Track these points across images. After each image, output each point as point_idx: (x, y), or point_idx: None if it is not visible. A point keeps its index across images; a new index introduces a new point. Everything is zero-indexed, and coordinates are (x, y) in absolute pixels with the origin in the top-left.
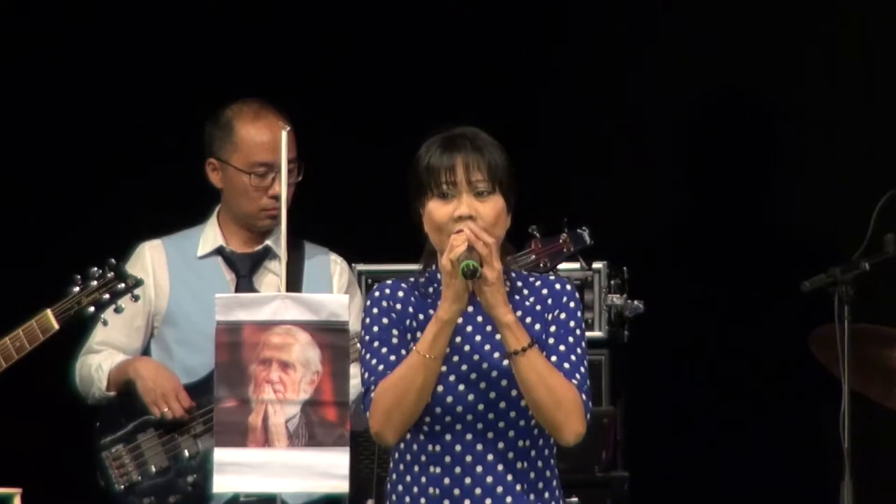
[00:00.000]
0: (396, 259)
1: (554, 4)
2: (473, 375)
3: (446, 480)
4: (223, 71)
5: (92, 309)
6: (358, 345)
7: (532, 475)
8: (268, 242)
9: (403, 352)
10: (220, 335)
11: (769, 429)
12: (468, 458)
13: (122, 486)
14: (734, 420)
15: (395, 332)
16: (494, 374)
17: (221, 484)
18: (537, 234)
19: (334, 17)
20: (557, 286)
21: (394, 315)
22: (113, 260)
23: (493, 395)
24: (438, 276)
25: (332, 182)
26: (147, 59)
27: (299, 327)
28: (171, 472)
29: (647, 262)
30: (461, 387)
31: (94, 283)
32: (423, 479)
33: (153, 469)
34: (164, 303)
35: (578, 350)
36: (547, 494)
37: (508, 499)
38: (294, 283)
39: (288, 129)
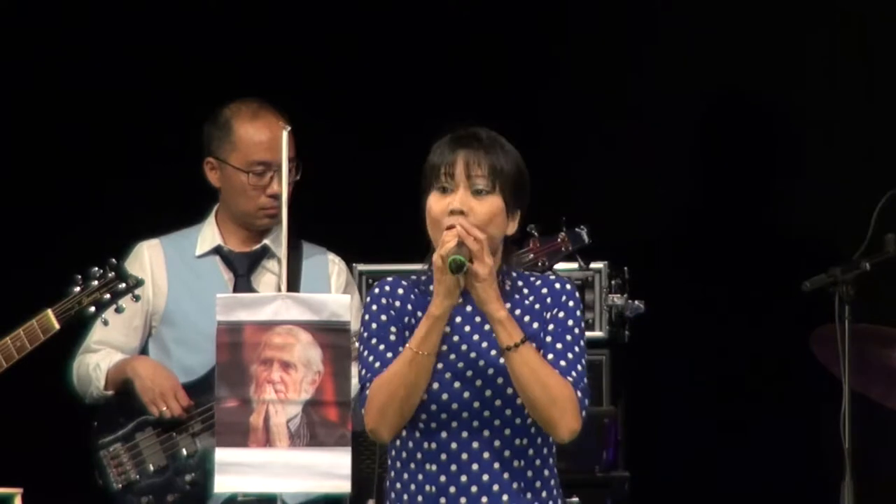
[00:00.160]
0: (396, 259)
1: (554, 4)
2: (469, 373)
3: (442, 478)
4: (223, 71)
5: (93, 309)
6: (357, 343)
7: (529, 473)
8: (266, 242)
9: (400, 349)
10: (222, 335)
11: (769, 429)
12: (464, 456)
13: (120, 485)
14: (734, 420)
15: (392, 329)
16: (490, 371)
17: (223, 484)
18: (535, 234)
19: (334, 17)
20: (557, 285)
21: (392, 312)
22: (114, 260)
23: (488, 392)
24: None
25: (332, 182)
26: (147, 59)
27: (300, 327)
28: (170, 471)
29: (647, 263)
30: (457, 384)
31: (95, 282)
32: (420, 477)
33: (151, 468)
34: (162, 302)
35: (576, 348)
36: (545, 493)
37: (504, 497)
38: (292, 282)
39: (288, 129)
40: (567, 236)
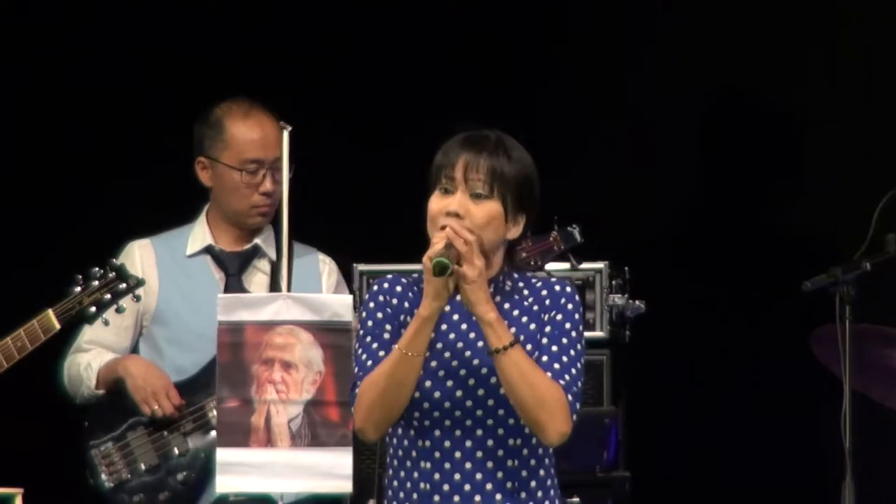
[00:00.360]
0: (396, 259)
1: (554, 4)
2: (463, 371)
3: (436, 476)
4: (223, 71)
5: (93, 309)
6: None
7: (524, 473)
8: (257, 241)
9: (394, 347)
10: (223, 335)
11: (769, 429)
12: (457, 455)
13: (112, 485)
14: (735, 420)
15: (388, 327)
16: (484, 370)
17: (224, 484)
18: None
19: (334, 17)
20: (557, 287)
21: (389, 310)
22: (114, 260)
23: (481, 391)
24: None
25: (332, 182)
26: (147, 59)
27: (301, 327)
28: (161, 470)
29: (648, 263)
30: (449, 382)
31: (96, 283)
32: (415, 475)
33: (143, 467)
34: (153, 302)
35: (572, 351)
36: (540, 493)
37: (498, 496)
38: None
39: (289, 128)
40: (559, 235)
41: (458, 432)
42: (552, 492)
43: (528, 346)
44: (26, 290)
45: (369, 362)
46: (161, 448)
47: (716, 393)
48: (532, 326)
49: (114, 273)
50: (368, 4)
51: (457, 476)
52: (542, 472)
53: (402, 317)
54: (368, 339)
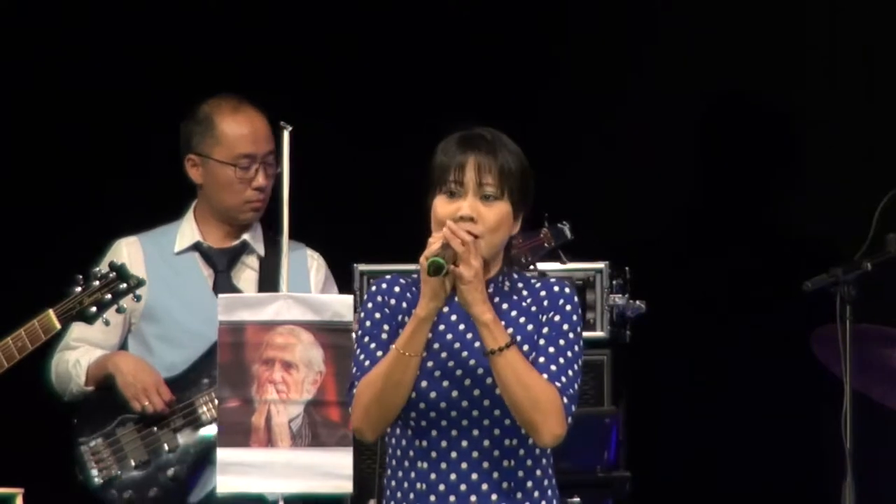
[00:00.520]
0: (396, 259)
1: (554, 4)
2: (459, 371)
3: (432, 476)
4: (222, 71)
5: (94, 309)
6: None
7: (520, 473)
8: (245, 237)
9: (392, 347)
10: (223, 335)
11: (770, 429)
12: (453, 454)
13: (101, 481)
14: (735, 420)
15: (385, 327)
16: (480, 370)
17: (225, 484)
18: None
19: (334, 17)
20: (556, 288)
21: (387, 310)
22: (115, 260)
23: (477, 392)
24: None
25: (332, 182)
26: (147, 59)
27: (302, 327)
28: (151, 466)
29: (648, 263)
30: (445, 382)
31: (97, 282)
32: (413, 475)
33: (133, 463)
34: (142, 299)
35: (569, 353)
36: (537, 493)
37: (494, 496)
38: (272, 278)
39: (289, 128)
40: (549, 232)
41: (454, 432)
42: (549, 492)
43: (526, 347)
44: (26, 291)
45: (367, 362)
46: (151, 444)
47: (716, 393)
48: (530, 327)
49: (114, 273)
50: (368, 4)
51: (453, 476)
52: (538, 472)
53: (400, 317)
54: (366, 339)
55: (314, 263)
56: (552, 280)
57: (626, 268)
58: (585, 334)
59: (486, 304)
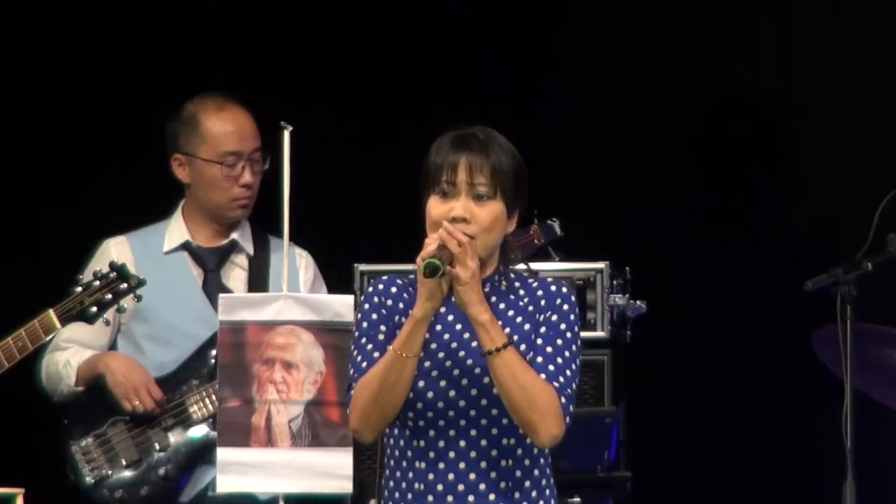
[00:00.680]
0: (396, 259)
1: (553, 4)
2: (456, 371)
3: (430, 476)
4: (222, 71)
5: (94, 309)
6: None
7: (518, 473)
8: (234, 236)
9: (389, 348)
10: (224, 335)
11: (771, 429)
12: (451, 454)
13: (93, 480)
14: (736, 420)
15: (382, 328)
16: (477, 370)
17: (225, 484)
18: None
19: (334, 17)
20: (553, 288)
21: (383, 311)
22: (116, 260)
23: (474, 391)
24: None
25: (332, 182)
26: (146, 59)
27: (303, 327)
28: (142, 465)
29: (649, 263)
30: (442, 382)
31: (97, 283)
32: (410, 475)
33: (123, 462)
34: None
35: (566, 353)
36: (534, 493)
37: (491, 496)
38: (261, 277)
39: (290, 128)
40: (539, 229)
41: (451, 432)
42: (548, 491)
43: (523, 347)
44: (26, 291)
45: (364, 363)
46: (142, 443)
47: (716, 393)
48: (527, 327)
49: (115, 273)
50: (368, 4)
51: (451, 476)
52: (536, 472)
53: (396, 317)
54: (363, 340)
55: (302, 262)
56: (549, 279)
57: (627, 268)
58: (586, 334)
59: (482, 304)
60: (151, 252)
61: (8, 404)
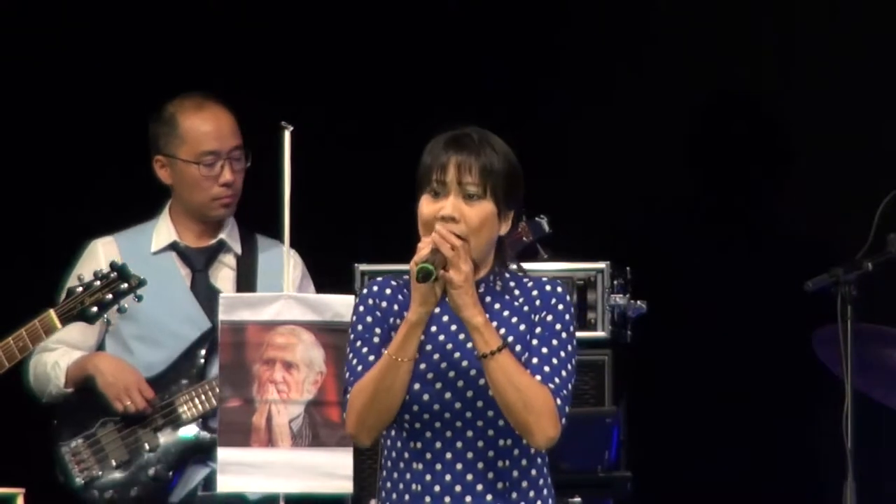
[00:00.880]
0: (396, 259)
1: (553, 4)
2: (452, 373)
3: (427, 477)
4: (221, 72)
5: (95, 309)
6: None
7: (515, 473)
8: (221, 236)
9: (384, 350)
10: (224, 335)
11: (771, 429)
12: (448, 456)
13: (83, 481)
14: (736, 420)
15: (377, 330)
16: (473, 372)
17: (225, 484)
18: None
19: (333, 17)
20: (548, 287)
21: (378, 313)
22: (116, 260)
23: (470, 393)
24: None
25: (332, 182)
26: (146, 59)
27: (303, 327)
28: (132, 466)
29: (649, 263)
30: (438, 384)
31: (98, 283)
32: (408, 476)
33: (113, 463)
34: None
35: (562, 353)
36: (532, 493)
37: (488, 496)
38: (249, 277)
39: (290, 128)
40: (527, 226)
41: (448, 433)
42: (545, 491)
43: (518, 348)
44: (26, 290)
45: (359, 367)
46: (131, 444)
47: (716, 393)
48: (522, 327)
49: (115, 273)
50: (368, 4)
51: (447, 477)
52: (533, 472)
53: (391, 319)
54: (358, 343)
55: (290, 261)
56: (544, 279)
57: (627, 268)
58: (587, 334)
59: (476, 307)
60: (139, 252)
61: (8, 404)
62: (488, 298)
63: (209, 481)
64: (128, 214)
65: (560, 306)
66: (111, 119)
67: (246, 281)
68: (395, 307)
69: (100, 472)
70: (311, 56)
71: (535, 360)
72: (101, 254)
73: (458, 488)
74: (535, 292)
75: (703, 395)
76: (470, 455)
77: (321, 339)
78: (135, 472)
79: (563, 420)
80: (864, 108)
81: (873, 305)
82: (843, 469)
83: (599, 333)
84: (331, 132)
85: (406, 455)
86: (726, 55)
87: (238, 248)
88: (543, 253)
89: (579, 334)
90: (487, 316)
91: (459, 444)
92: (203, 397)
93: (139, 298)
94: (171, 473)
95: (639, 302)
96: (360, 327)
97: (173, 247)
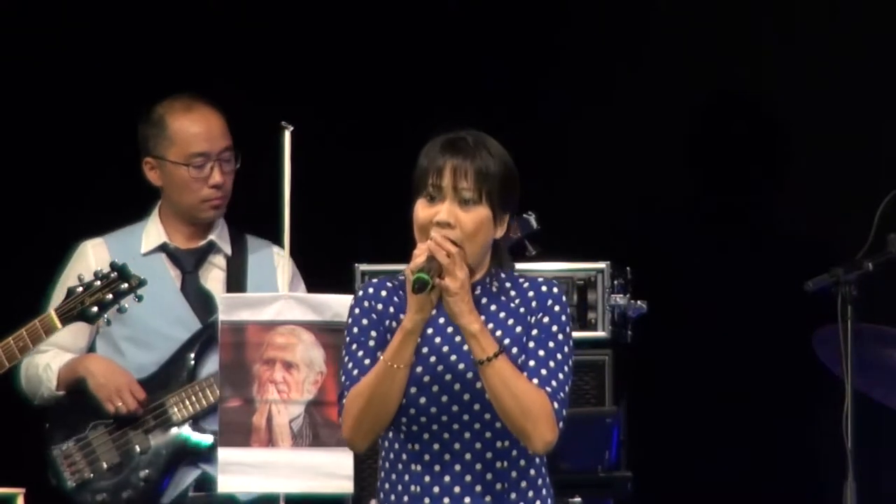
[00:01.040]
0: (396, 259)
1: (552, 4)
2: (448, 377)
3: (426, 478)
4: (222, 72)
5: (95, 309)
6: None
7: (513, 475)
8: (211, 237)
9: (379, 354)
10: (225, 335)
11: (771, 429)
12: (446, 457)
13: (74, 484)
14: (736, 420)
15: (373, 333)
16: (469, 375)
17: (225, 484)
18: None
19: (333, 17)
20: (544, 288)
21: (374, 316)
22: (117, 260)
23: (467, 396)
24: None
25: (332, 182)
26: (146, 59)
27: (303, 327)
28: (124, 468)
29: (649, 263)
30: (435, 388)
31: (98, 283)
32: (406, 477)
33: (105, 465)
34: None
35: (559, 355)
36: (531, 494)
37: (487, 498)
38: (239, 277)
39: (290, 128)
40: (516, 222)
41: (445, 436)
42: (544, 491)
43: (514, 350)
44: (26, 290)
45: (355, 371)
46: (123, 446)
47: (716, 393)
48: (518, 329)
49: (116, 273)
50: (368, 4)
51: (446, 478)
52: (532, 473)
53: (387, 322)
54: (354, 346)
55: (280, 261)
56: (540, 280)
57: (628, 268)
58: (587, 334)
59: (472, 314)
60: (129, 254)
61: (8, 404)
62: (484, 300)
63: (200, 483)
64: (128, 215)
65: (556, 307)
66: (111, 119)
67: (236, 282)
68: (391, 309)
69: (91, 475)
70: (311, 56)
71: (531, 363)
72: (90, 255)
73: (456, 490)
74: (531, 293)
75: (703, 395)
76: (468, 457)
77: (321, 339)
78: (126, 475)
79: (561, 424)
80: (864, 108)
81: (873, 305)
82: (843, 469)
83: (600, 333)
84: (331, 132)
85: (404, 457)
86: (726, 55)
87: (228, 249)
88: (531, 249)
89: (580, 334)
90: (483, 318)
91: (457, 446)
92: (194, 398)
93: (139, 298)
94: (161, 475)
95: (639, 302)
96: (355, 330)
97: (163, 248)
